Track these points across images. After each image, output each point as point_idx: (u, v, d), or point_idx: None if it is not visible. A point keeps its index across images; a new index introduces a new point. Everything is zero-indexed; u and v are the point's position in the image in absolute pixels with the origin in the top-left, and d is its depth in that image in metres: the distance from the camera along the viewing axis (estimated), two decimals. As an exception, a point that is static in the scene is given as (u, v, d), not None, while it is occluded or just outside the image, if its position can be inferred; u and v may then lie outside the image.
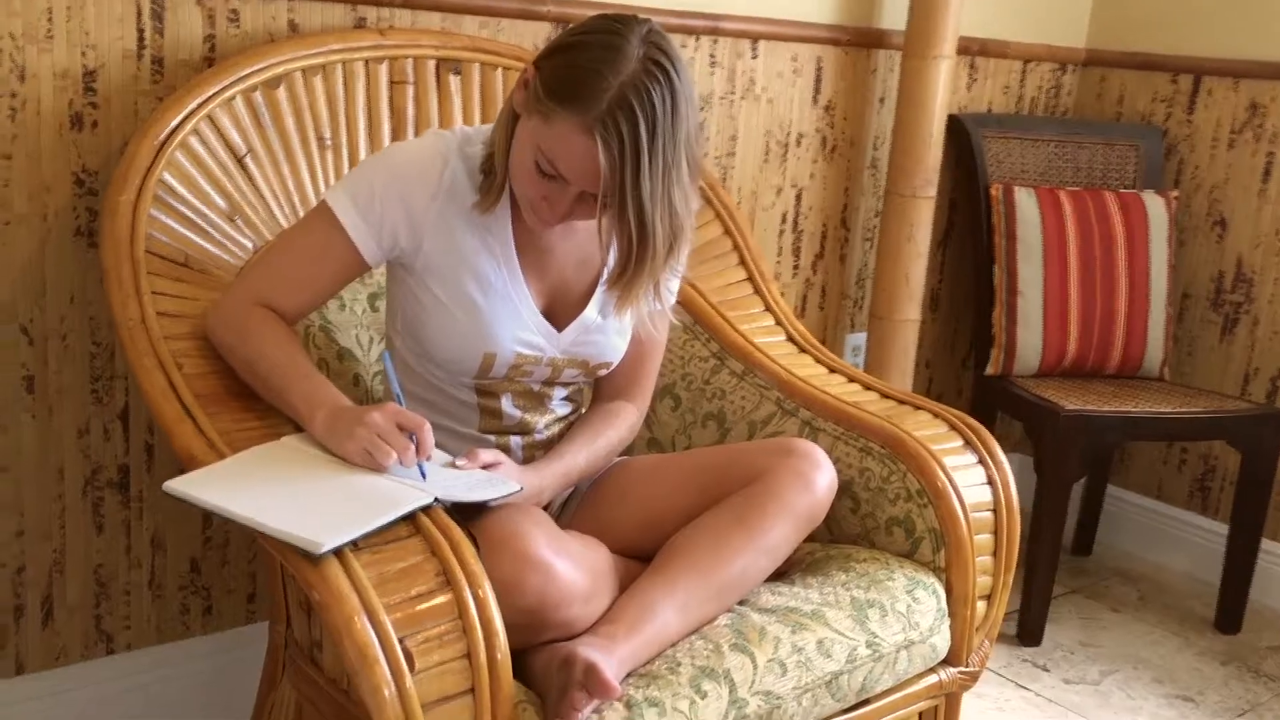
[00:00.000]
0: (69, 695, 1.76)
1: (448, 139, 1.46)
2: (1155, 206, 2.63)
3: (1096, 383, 2.59)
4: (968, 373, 2.90)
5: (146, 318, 1.43)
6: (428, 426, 1.28)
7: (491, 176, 1.43)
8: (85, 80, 1.61)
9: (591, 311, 1.50)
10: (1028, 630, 2.41)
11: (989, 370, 2.60)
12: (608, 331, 1.52)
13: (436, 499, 1.25)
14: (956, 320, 2.85)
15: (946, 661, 1.59)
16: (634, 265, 1.37)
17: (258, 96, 1.64)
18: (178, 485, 1.23)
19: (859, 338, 2.64)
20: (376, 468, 1.26)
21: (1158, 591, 2.73)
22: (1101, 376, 2.63)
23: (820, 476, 1.50)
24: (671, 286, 1.55)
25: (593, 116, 1.29)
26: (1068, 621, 2.54)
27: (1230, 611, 2.54)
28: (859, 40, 2.43)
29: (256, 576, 1.91)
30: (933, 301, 2.78)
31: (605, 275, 1.46)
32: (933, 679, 1.57)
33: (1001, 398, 2.58)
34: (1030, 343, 2.57)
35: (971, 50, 2.64)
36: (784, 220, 2.44)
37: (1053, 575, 2.40)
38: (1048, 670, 2.34)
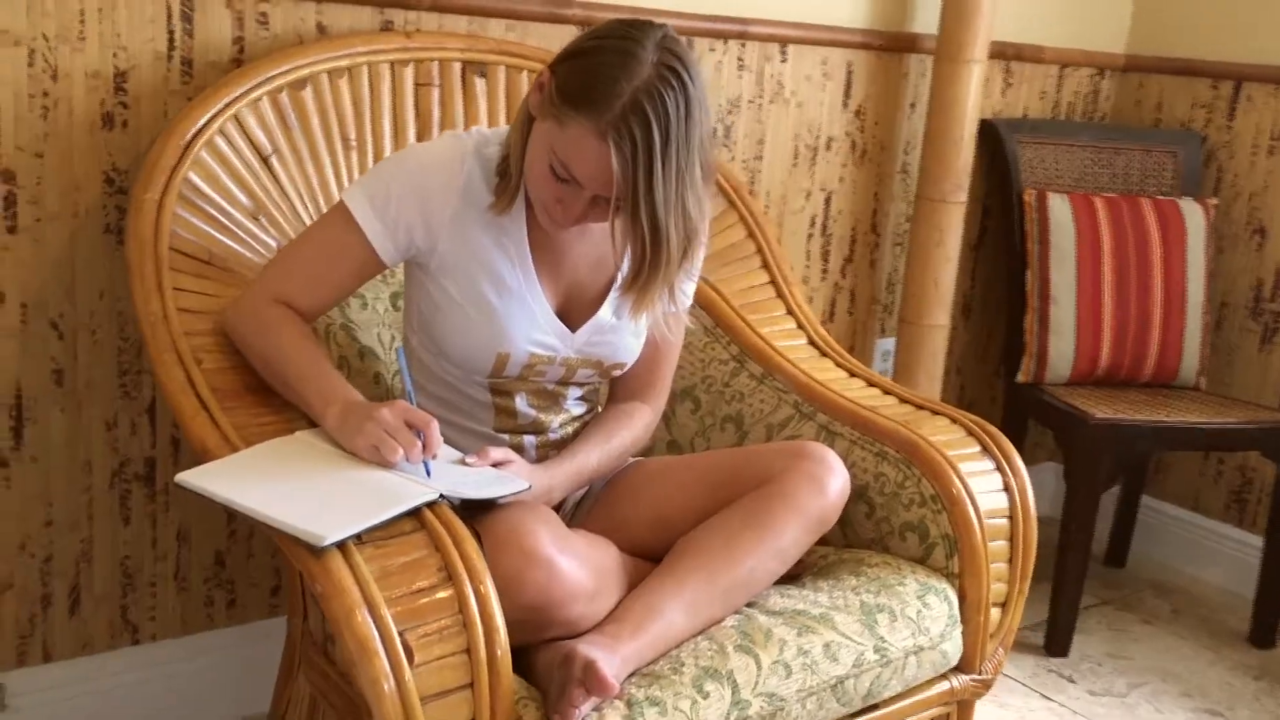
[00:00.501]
0: (95, 684, 1.79)
1: (465, 140, 1.47)
2: (1193, 213, 2.60)
3: (1130, 391, 2.56)
4: (1001, 380, 2.87)
5: (168, 313, 1.46)
6: (435, 424, 1.30)
7: (507, 178, 1.44)
8: (116, 81, 1.64)
9: (606, 312, 1.51)
10: (1055, 641, 2.39)
11: (1020, 377, 2.58)
12: (622, 332, 1.52)
13: (442, 495, 1.26)
14: (989, 326, 2.82)
15: (959, 669, 1.58)
16: (648, 269, 1.38)
17: (284, 98, 1.67)
18: (189, 477, 1.25)
19: (889, 343, 2.63)
20: (384, 463, 1.27)
21: (1191, 604, 2.69)
22: (1136, 385, 2.60)
23: (832, 480, 1.50)
24: (686, 290, 1.56)
25: (606, 121, 1.30)
26: (1097, 633, 2.51)
27: (1264, 626, 2.49)
28: (890, 44, 2.42)
29: (280, 570, 1.94)
30: (965, 307, 2.76)
31: (619, 279, 1.47)
32: (944, 686, 1.57)
33: (1032, 405, 2.56)
34: (1062, 350, 2.54)
35: (1007, 55, 2.62)
36: (813, 224, 2.44)
37: (1081, 585, 2.37)
38: (1074, 681, 2.32)
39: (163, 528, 1.82)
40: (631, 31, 1.35)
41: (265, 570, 1.93)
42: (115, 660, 1.81)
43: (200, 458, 1.34)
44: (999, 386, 2.87)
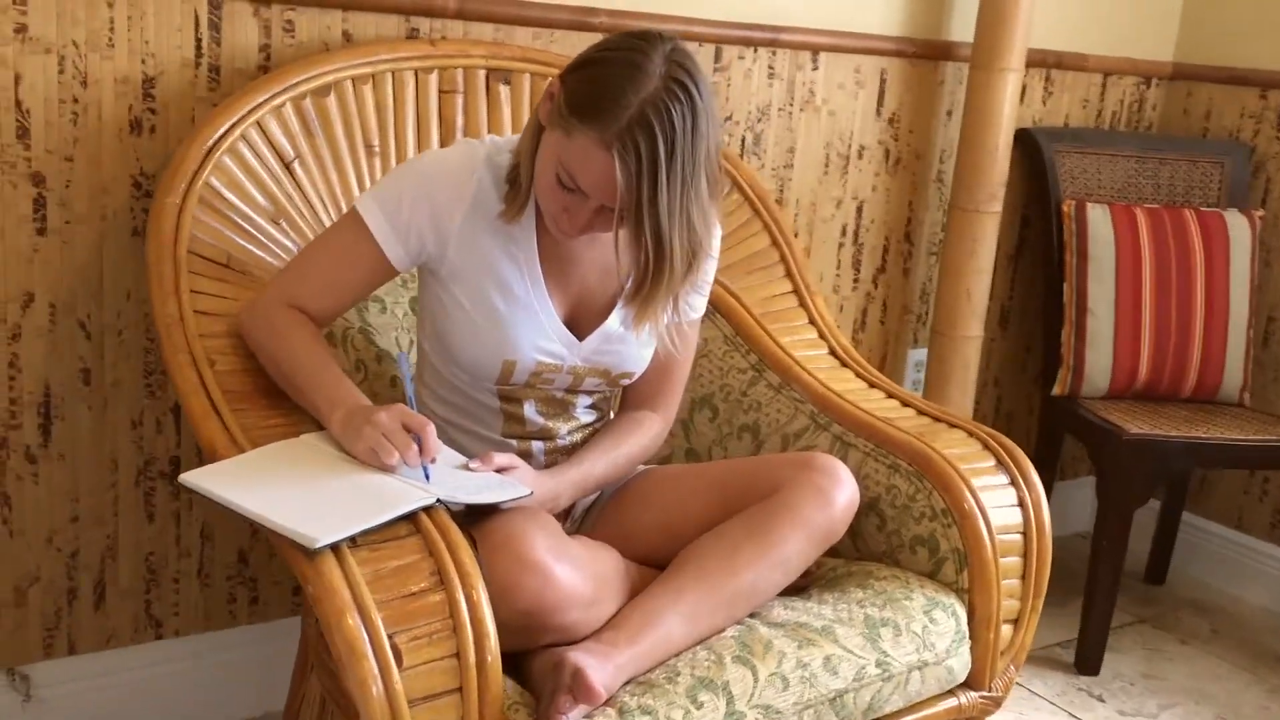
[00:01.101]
0: (118, 677, 1.83)
1: (477, 148, 1.49)
2: (1238, 225, 2.54)
3: (1170, 406, 2.51)
4: (1040, 392, 2.83)
5: (184, 315, 1.48)
6: (431, 427, 1.31)
7: (517, 186, 1.45)
8: (144, 87, 1.68)
9: (614, 321, 1.52)
10: (1085, 658, 2.35)
11: (1056, 390, 2.54)
12: (630, 341, 1.52)
13: (440, 500, 1.27)
14: (1028, 338, 2.79)
15: (968, 685, 1.56)
16: (651, 281, 1.38)
17: (307, 104, 1.70)
18: (193, 477, 1.28)
19: (922, 353, 2.60)
20: (382, 467, 1.29)
21: (1232, 625, 2.63)
22: (1176, 401, 2.55)
23: (839, 492, 1.49)
24: (693, 303, 1.56)
25: (612, 133, 1.30)
26: (1131, 651, 2.47)
27: (1305, 649, 2.44)
28: (926, 52, 2.40)
29: (302, 570, 1.96)
30: (1003, 318, 2.73)
31: (625, 290, 1.47)
32: (952, 702, 1.55)
33: (1068, 419, 2.52)
34: (1099, 364, 2.50)
35: (1048, 63, 2.59)
36: (844, 233, 2.42)
37: (1112, 602, 2.33)
38: (1103, 701, 2.28)
39: (186, 525, 1.85)
40: (640, 44, 1.35)
41: (287, 569, 1.96)
42: (139, 654, 1.85)
43: (209, 458, 1.36)
44: (1038, 399, 2.83)
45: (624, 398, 1.64)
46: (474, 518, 1.33)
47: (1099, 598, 2.32)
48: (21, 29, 1.57)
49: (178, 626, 1.88)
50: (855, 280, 2.47)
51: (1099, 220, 2.51)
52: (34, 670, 1.77)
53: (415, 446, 1.29)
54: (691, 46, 2.08)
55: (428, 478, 1.30)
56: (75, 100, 1.63)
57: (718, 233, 1.55)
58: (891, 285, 2.53)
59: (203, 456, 1.80)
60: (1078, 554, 2.59)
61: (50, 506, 1.74)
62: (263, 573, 1.94)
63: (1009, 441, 1.66)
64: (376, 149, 1.76)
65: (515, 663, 1.32)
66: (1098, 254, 2.50)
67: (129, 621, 1.84)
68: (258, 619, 1.95)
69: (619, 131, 1.30)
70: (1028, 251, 2.72)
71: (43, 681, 1.77)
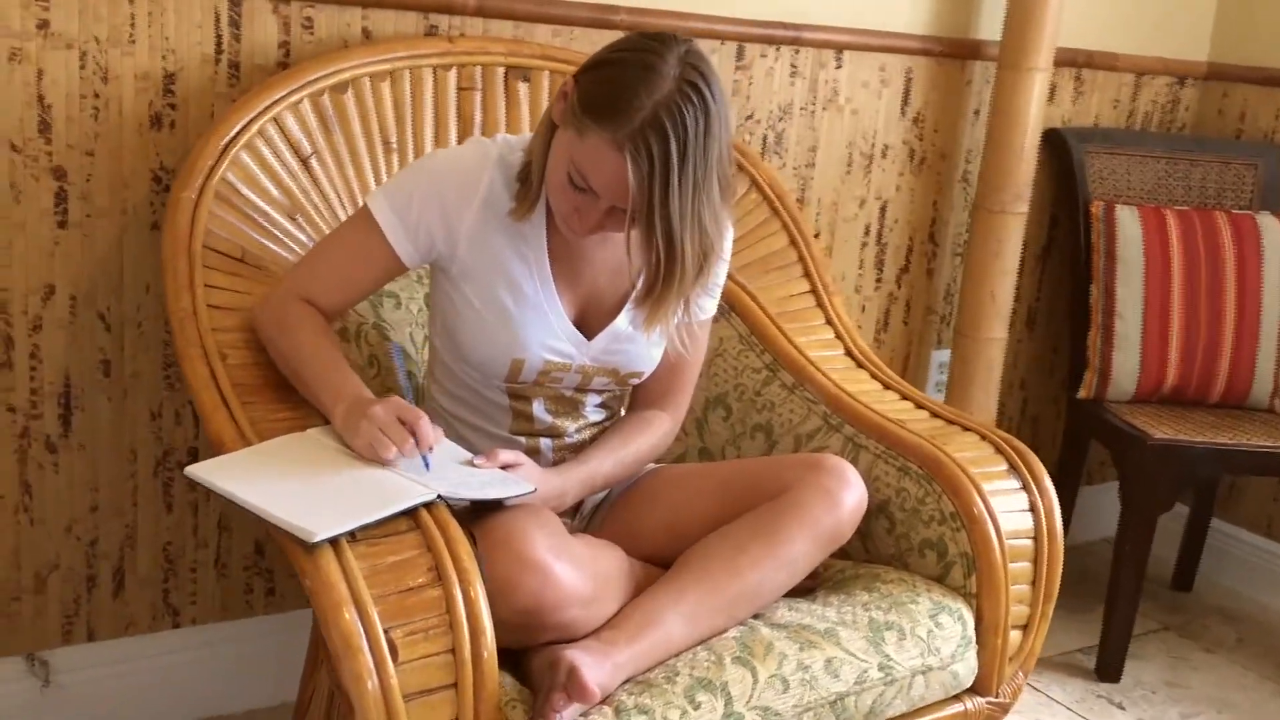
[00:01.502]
0: (136, 664, 1.86)
1: (489, 147, 1.49)
2: (1271, 228, 2.50)
3: (1198, 412, 2.47)
4: (1066, 395, 2.80)
5: (197, 309, 1.50)
6: (424, 418, 1.31)
7: (528, 185, 1.46)
8: (165, 83, 1.70)
9: (623, 321, 1.52)
10: (1106, 665, 2.33)
11: (1081, 393, 2.51)
12: (639, 341, 1.52)
13: (442, 496, 1.28)
14: (1055, 340, 2.76)
15: (975, 690, 1.55)
16: (662, 283, 1.38)
17: (325, 101, 1.71)
18: (197, 470, 1.29)
19: (946, 354, 2.58)
20: (381, 461, 1.29)
21: (1260, 633, 2.59)
22: (1205, 406, 2.52)
23: (847, 494, 1.48)
24: (704, 305, 1.55)
25: (624, 134, 1.30)
26: (1155, 659, 2.44)
27: (1333, 660, 2.40)
28: (953, 51, 2.38)
29: (318, 562, 1.98)
30: (1030, 320, 2.70)
31: (635, 291, 1.47)
32: (958, 707, 1.53)
33: (1092, 422, 2.49)
34: (1126, 367, 2.47)
35: (1078, 62, 2.56)
36: (866, 232, 2.41)
37: (1134, 609, 2.31)
38: (1123, 708, 2.25)
39: (204, 515, 1.87)
40: (655, 45, 1.35)
41: (304, 561, 1.97)
42: (156, 642, 1.88)
43: (216, 451, 1.38)
44: (1064, 402, 2.80)
45: (634, 397, 1.64)
46: (475, 514, 1.34)
47: (1120, 603, 2.29)
48: (44, 25, 1.59)
49: (195, 615, 1.91)
50: (878, 280, 2.46)
51: (1128, 221, 2.48)
52: (53, 656, 1.80)
53: (412, 439, 1.29)
54: (713, 44, 2.10)
55: (427, 467, 1.30)
56: (96, 95, 1.65)
57: (729, 235, 1.54)
58: (915, 286, 2.51)
59: (211, 449, 1.84)
60: (1103, 559, 2.56)
61: (70, 496, 1.77)
62: (279, 564, 1.96)
63: (1022, 446, 1.64)
64: (394, 146, 1.77)
65: (516, 660, 1.33)
66: (1126, 256, 2.47)
67: (147, 610, 1.86)
68: (274, 610, 1.97)
69: (631, 133, 1.30)
70: (1056, 252, 2.69)
71: (62, 667, 1.80)
